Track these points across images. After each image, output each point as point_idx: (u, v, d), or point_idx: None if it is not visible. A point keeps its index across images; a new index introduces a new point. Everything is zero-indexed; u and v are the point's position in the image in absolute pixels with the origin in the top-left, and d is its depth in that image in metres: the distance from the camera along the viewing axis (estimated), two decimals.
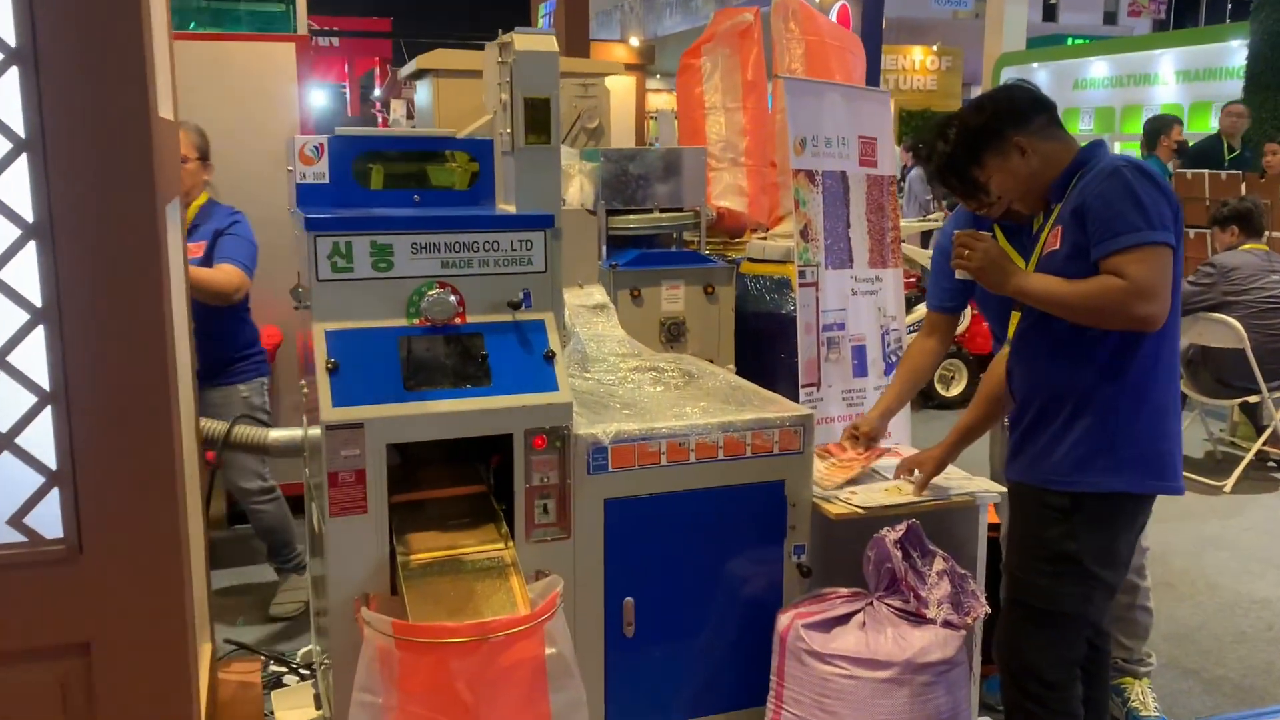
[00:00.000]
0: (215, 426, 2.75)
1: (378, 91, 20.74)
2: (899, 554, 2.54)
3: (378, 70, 23.57)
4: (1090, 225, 2.20)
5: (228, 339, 3.52)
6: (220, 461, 3.36)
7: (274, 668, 3.17)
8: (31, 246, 1.72)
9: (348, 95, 23.81)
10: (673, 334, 3.69)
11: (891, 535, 2.56)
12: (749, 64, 4.67)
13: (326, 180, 2.59)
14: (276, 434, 2.89)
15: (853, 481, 2.82)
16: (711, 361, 3.77)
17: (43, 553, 1.79)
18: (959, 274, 2.44)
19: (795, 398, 3.60)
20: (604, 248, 3.70)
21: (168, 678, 1.87)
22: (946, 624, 2.52)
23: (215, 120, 3.66)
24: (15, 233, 1.70)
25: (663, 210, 3.80)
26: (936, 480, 2.79)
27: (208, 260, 3.40)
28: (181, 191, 3.42)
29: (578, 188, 3.82)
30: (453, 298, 2.40)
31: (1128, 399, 2.29)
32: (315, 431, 2.38)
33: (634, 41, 21.82)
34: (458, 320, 2.42)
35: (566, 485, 2.44)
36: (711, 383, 3.02)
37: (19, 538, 1.78)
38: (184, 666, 1.87)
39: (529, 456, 2.40)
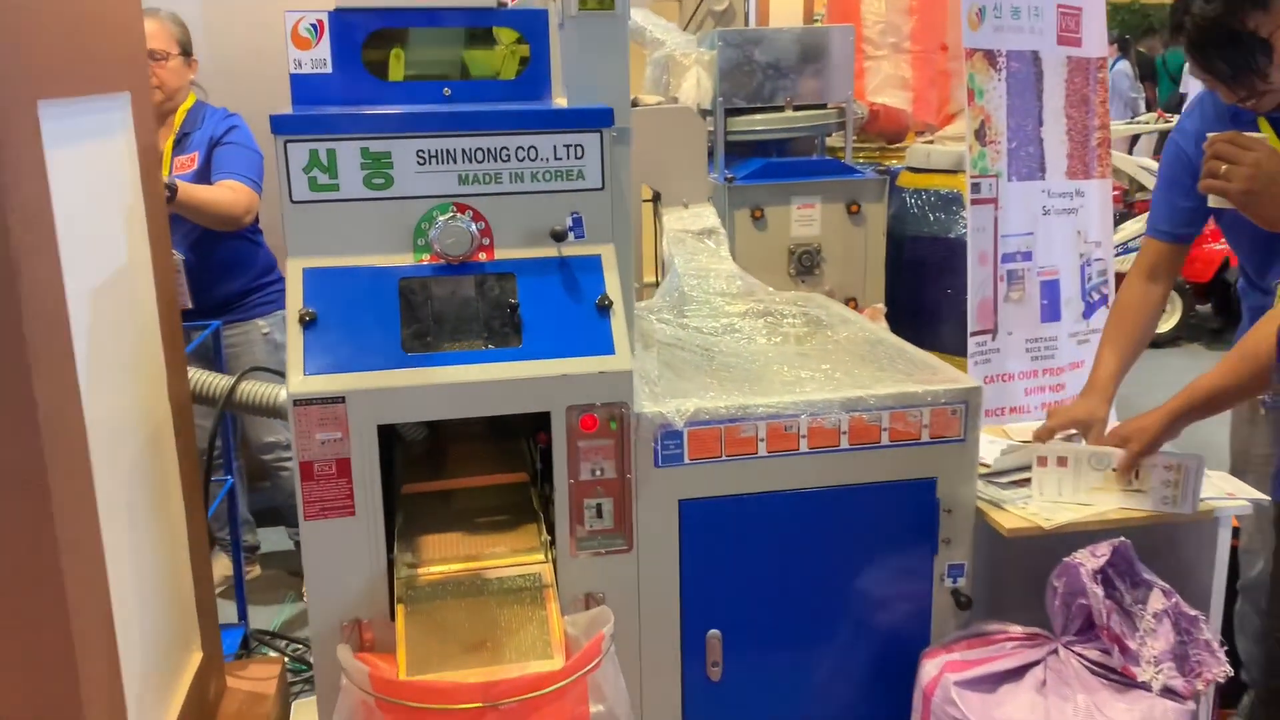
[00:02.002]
0: (214, 382, 2.22)
1: None
2: (1099, 590, 1.79)
3: None
4: None
5: (239, 267, 3.00)
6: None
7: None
8: None
9: None
10: (804, 265, 2.97)
11: (1090, 563, 1.81)
12: None
13: (329, 69, 1.97)
14: None
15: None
16: (854, 301, 3.03)
17: None
18: (1213, 199, 1.62)
19: (963, 347, 2.82)
20: (722, 157, 2.97)
21: (52, 709, 1.39)
22: (1167, 692, 1.77)
23: None
24: None
25: (798, 108, 3.03)
26: (1158, 477, 2.00)
27: (204, 176, 2.86)
28: (164, 95, 2.90)
29: (694, 82, 3.10)
30: (474, 225, 1.77)
31: None
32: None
33: None
34: (480, 256, 1.78)
35: (627, 481, 1.79)
36: (845, 333, 2.31)
37: None
38: (71, 698, 1.39)
39: (575, 442, 1.76)
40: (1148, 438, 1.93)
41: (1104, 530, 1.90)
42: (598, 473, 1.78)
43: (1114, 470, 1.96)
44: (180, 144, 2.91)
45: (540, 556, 1.80)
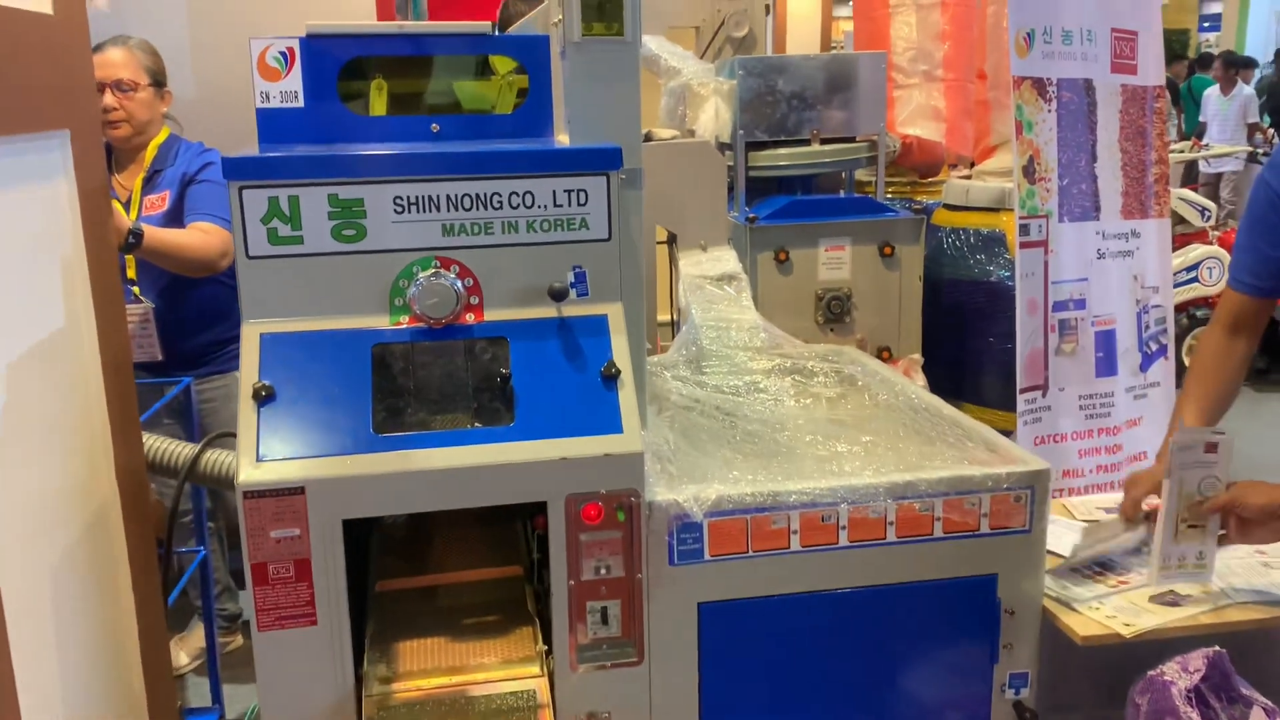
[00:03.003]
0: (175, 450, 1.97)
1: None
2: (1195, 715, 1.51)
3: None
4: None
5: (214, 315, 2.75)
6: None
7: None
8: None
9: None
10: (833, 312, 2.71)
11: (1182, 680, 1.53)
12: None
13: (300, 103, 1.73)
14: None
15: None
16: (887, 351, 2.77)
17: None
18: None
19: (1006, 401, 2.56)
20: (743, 195, 2.73)
21: None
22: None
23: None
24: None
25: (825, 141, 2.79)
26: (1256, 573, 1.73)
27: (176, 216, 2.62)
28: (131, 129, 2.67)
29: (712, 114, 2.86)
30: (460, 282, 1.52)
31: None
32: None
33: None
34: (468, 318, 1.54)
35: (637, 581, 1.53)
36: (883, 396, 2.05)
37: None
38: None
39: (576, 536, 1.50)
40: (1148, 486, 1.72)
41: (1191, 637, 1.62)
42: (603, 571, 1.53)
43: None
44: (150, 182, 2.68)
45: (535, 669, 1.54)
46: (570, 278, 1.56)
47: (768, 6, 5.03)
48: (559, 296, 1.55)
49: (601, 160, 1.56)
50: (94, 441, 1.69)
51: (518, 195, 1.54)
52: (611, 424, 1.51)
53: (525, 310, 1.56)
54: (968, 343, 2.90)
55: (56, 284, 1.59)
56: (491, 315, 1.55)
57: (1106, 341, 2.61)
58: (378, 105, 1.82)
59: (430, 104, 1.83)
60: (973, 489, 1.62)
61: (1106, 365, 2.61)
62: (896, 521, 1.60)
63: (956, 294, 2.96)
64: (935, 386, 2.09)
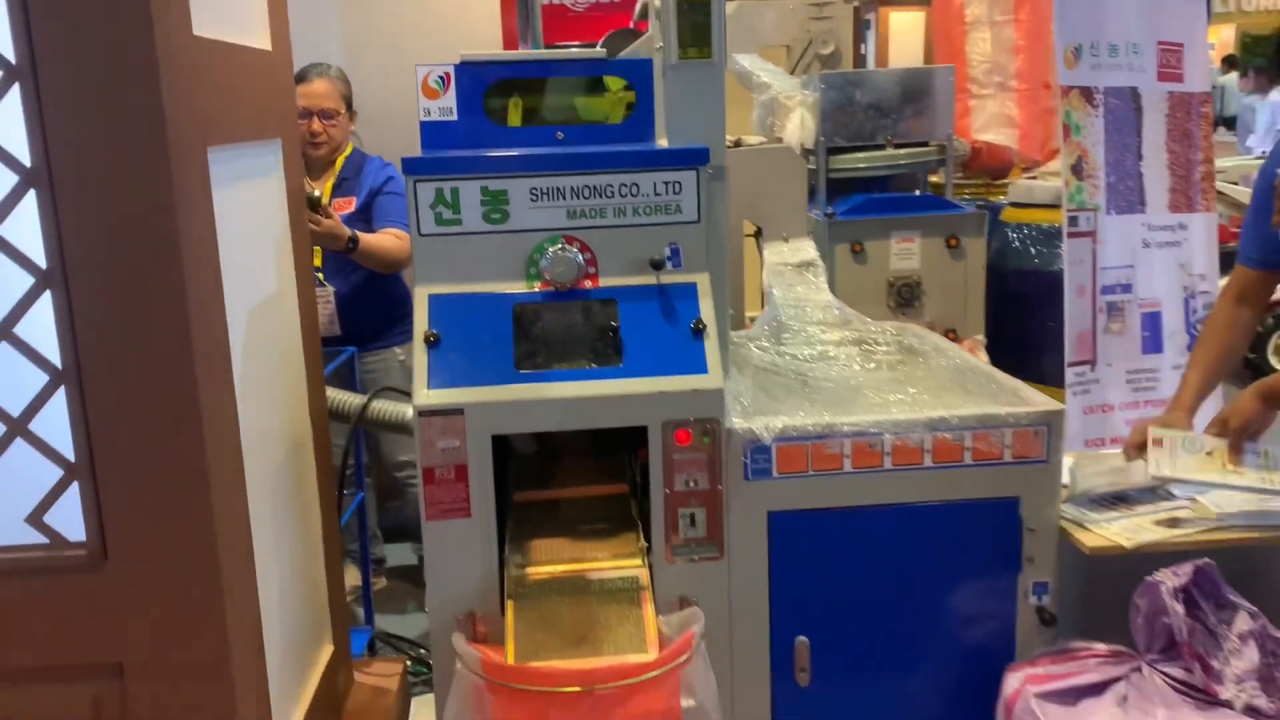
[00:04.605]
0: (348, 400, 2.45)
1: None
2: (1180, 608, 1.82)
3: None
4: None
5: (381, 300, 3.26)
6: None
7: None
8: (30, 197, 1.44)
9: None
10: (904, 297, 3.05)
11: (1171, 581, 1.85)
12: None
13: (454, 117, 2.18)
14: None
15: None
16: (954, 332, 3.09)
17: (63, 558, 1.53)
18: None
19: (1062, 378, 2.86)
20: (823, 194, 3.09)
21: (210, 705, 1.58)
22: (1250, 711, 1.79)
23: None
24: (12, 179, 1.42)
25: (898, 146, 3.13)
26: (1251, 503, 2.02)
27: (364, 220, 3.12)
28: (330, 149, 3.18)
29: (798, 123, 3.22)
30: (580, 256, 1.94)
31: None
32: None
33: None
34: (586, 283, 1.95)
35: (718, 492, 1.92)
36: (937, 362, 2.39)
37: (39, 538, 1.53)
38: (228, 694, 1.58)
39: (670, 455, 1.90)
40: (1243, 415, 1.99)
41: (1189, 552, 1.93)
42: (692, 484, 1.92)
43: (1210, 454, 1.99)
44: (340, 187, 3.19)
45: (638, 561, 1.94)
46: (667, 252, 1.96)
47: (867, 21, 5.36)
48: (658, 267, 1.95)
49: (693, 158, 1.96)
50: (295, 385, 2.14)
51: (626, 186, 1.95)
52: (699, 367, 1.90)
53: (631, 278, 1.96)
54: (1030, 327, 3.19)
55: (272, 258, 2.05)
56: (605, 282, 1.96)
57: (1153, 323, 2.88)
58: (514, 118, 2.25)
59: (556, 116, 2.26)
60: (998, 424, 1.96)
61: (1153, 344, 2.88)
62: (933, 450, 1.96)
63: (1021, 283, 3.26)
64: (999, 365, 2.38)
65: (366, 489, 3.12)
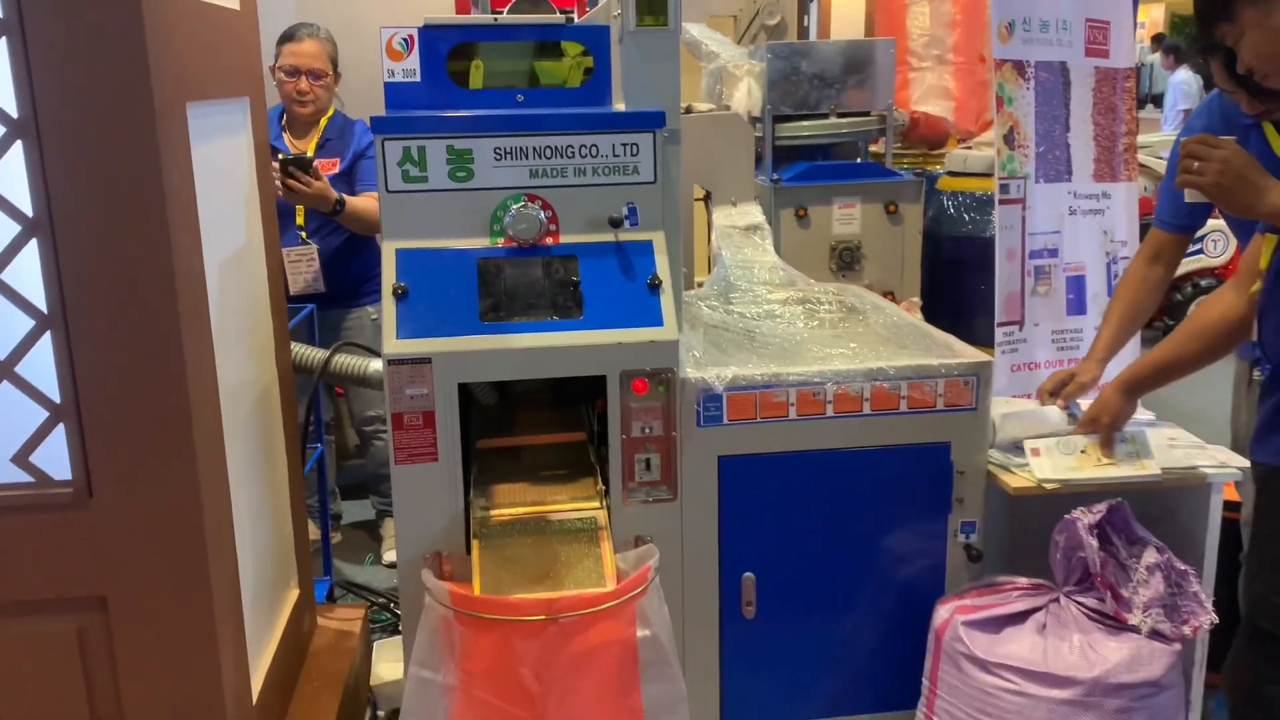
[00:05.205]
0: (311, 354, 2.52)
1: None
2: (1094, 541, 1.99)
3: None
4: None
5: (355, 260, 3.33)
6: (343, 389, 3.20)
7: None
8: (17, 148, 1.50)
9: None
10: (845, 261, 3.19)
11: (1087, 518, 2.01)
12: None
13: (417, 78, 2.25)
14: (380, 365, 2.63)
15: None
16: (891, 294, 3.24)
17: (49, 495, 1.60)
18: (1188, 194, 1.83)
19: (993, 338, 3.03)
20: (770, 160, 3.21)
21: (190, 638, 1.66)
22: (1155, 635, 1.97)
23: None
24: None
25: (841, 115, 3.26)
26: (1159, 446, 2.19)
27: (346, 182, 3.18)
28: (315, 109, 3.23)
29: (745, 92, 3.34)
30: (542, 213, 2.03)
31: None
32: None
33: None
34: (547, 240, 2.05)
35: (672, 438, 2.04)
36: (876, 319, 2.53)
37: (25, 477, 1.60)
38: (208, 628, 1.66)
39: (627, 403, 2.01)
40: (1112, 411, 2.16)
41: (1106, 493, 2.10)
42: (647, 430, 2.04)
43: (1084, 452, 2.16)
44: (324, 148, 3.23)
45: (596, 503, 2.05)
46: (625, 211, 2.06)
47: None
48: (616, 225, 2.05)
49: (649, 121, 2.06)
50: (262, 336, 2.20)
51: (586, 147, 2.04)
52: (655, 319, 2.01)
53: (591, 235, 2.06)
54: (963, 289, 3.35)
55: (241, 210, 2.11)
56: (565, 238, 2.06)
57: (1077, 286, 3.06)
58: (476, 80, 2.33)
59: (515, 80, 2.34)
60: (930, 375, 2.11)
61: (1077, 306, 3.06)
62: (871, 398, 2.10)
63: (955, 248, 3.42)
64: (933, 325, 2.53)
65: (326, 445, 3.19)
